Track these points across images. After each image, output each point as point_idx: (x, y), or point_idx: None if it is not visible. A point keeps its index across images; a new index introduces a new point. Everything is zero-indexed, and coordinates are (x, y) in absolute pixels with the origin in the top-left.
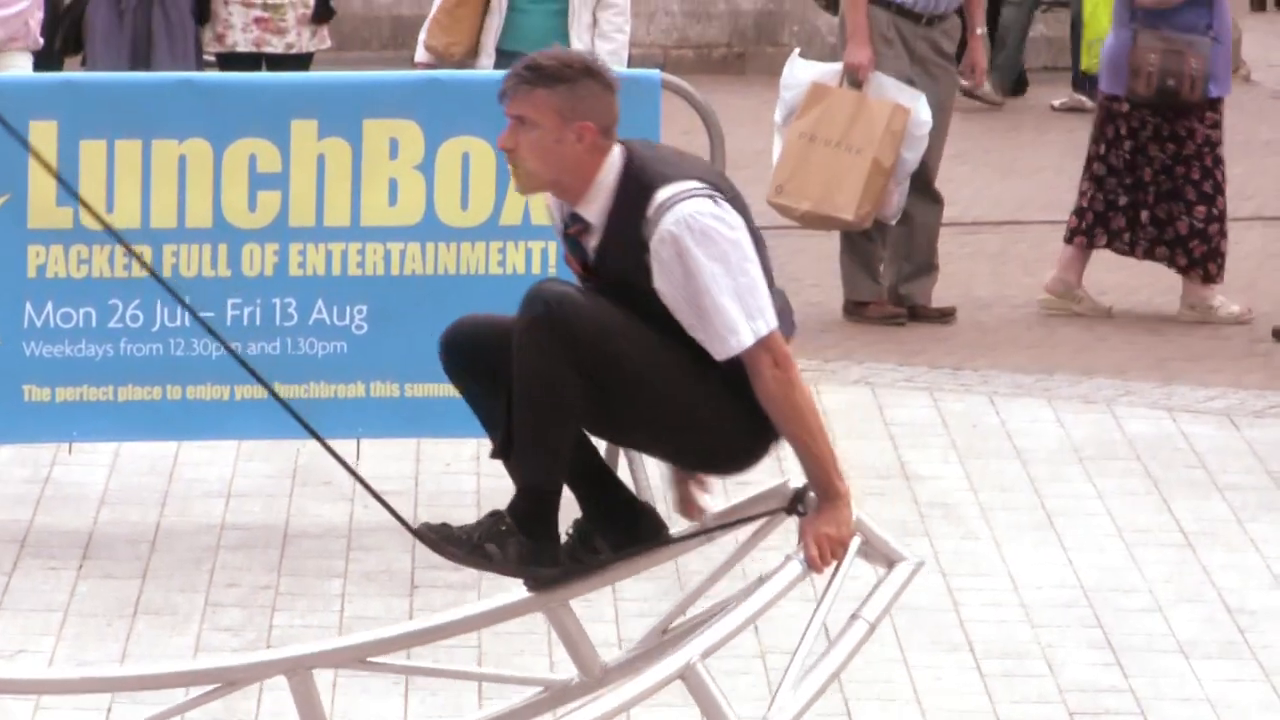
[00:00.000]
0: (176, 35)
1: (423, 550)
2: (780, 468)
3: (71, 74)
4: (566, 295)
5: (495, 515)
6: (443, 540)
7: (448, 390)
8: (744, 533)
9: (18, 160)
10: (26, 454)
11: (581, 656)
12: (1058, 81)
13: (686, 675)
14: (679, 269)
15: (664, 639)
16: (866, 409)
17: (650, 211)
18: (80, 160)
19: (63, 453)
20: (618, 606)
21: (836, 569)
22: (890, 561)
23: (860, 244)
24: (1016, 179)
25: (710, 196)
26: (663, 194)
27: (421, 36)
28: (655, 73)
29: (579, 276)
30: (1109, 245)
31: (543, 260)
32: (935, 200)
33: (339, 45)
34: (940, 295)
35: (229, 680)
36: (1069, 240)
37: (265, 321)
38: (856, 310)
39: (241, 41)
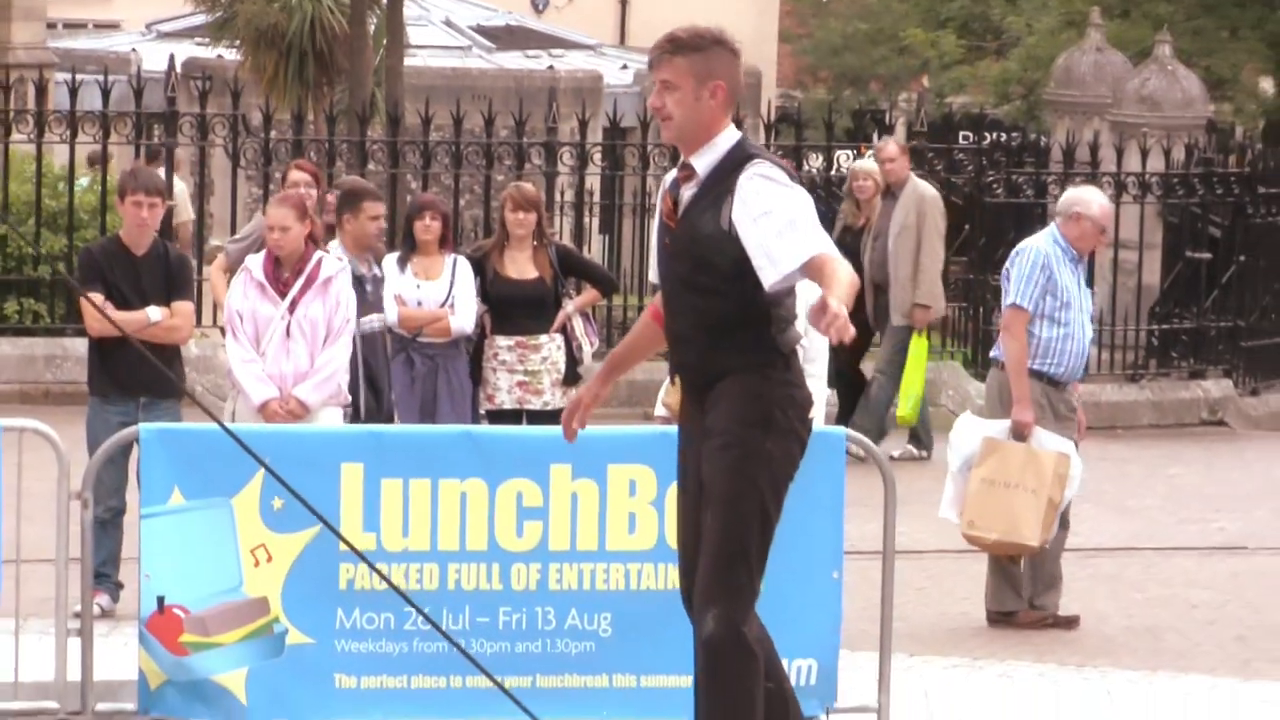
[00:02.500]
0: (457, 396)
1: None
2: (927, 699)
3: (374, 426)
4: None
5: None
6: None
7: (676, 682)
8: None
9: (332, 498)
10: None
11: None
12: None
13: None
14: (756, 199)
15: None
16: (1004, 699)
17: (744, 167)
18: (381, 495)
19: None
20: None
21: None
22: None
23: (1005, 567)
24: (1128, 515)
25: (791, 175)
26: (754, 161)
27: (661, 395)
28: (841, 430)
29: (665, 215)
30: None
31: None
32: (1064, 526)
33: None
34: (1067, 607)
35: None
36: None
37: (529, 626)
38: (1002, 619)
39: (507, 400)
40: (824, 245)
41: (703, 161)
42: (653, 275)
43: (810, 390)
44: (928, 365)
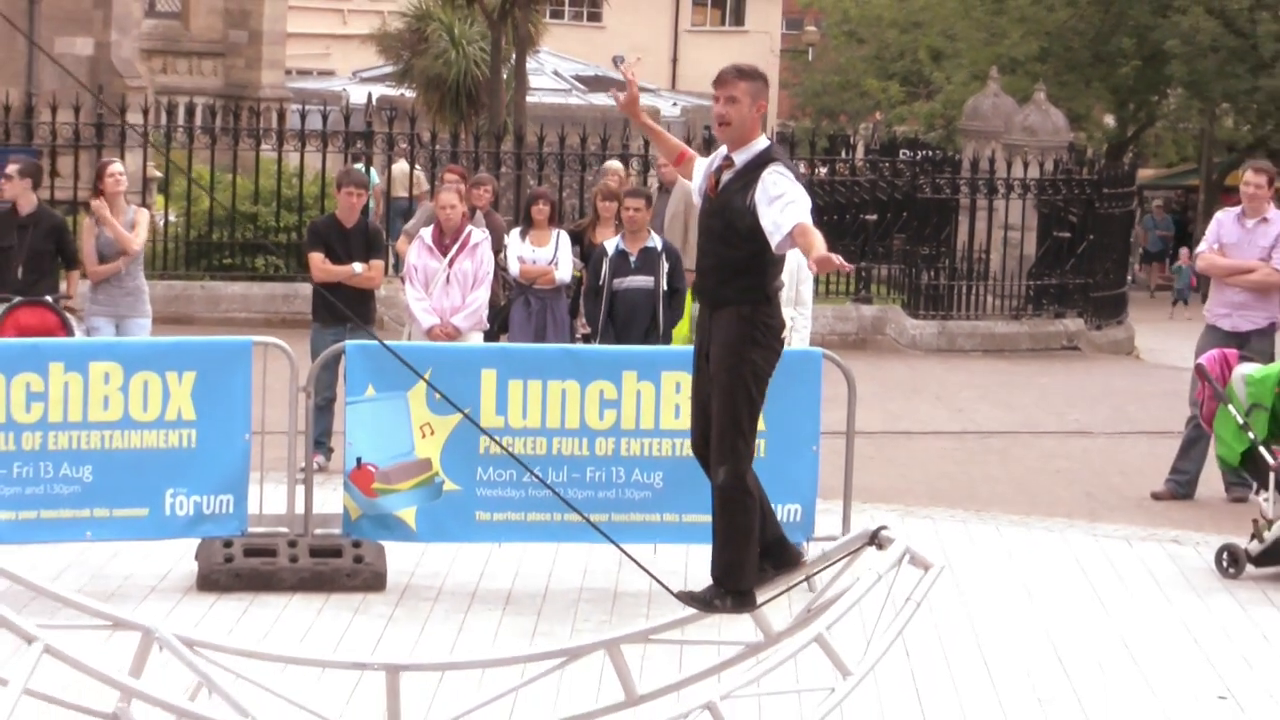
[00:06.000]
0: (560, 325)
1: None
2: (870, 518)
3: (504, 344)
4: (728, 469)
5: (717, 586)
6: (692, 600)
7: (706, 519)
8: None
9: (474, 392)
10: (476, 549)
11: (763, 627)
12: None
13: (819, 639)
14: (773, 187)
15: (807, 615)
16: (927, 534)
17: (769, 165)
18: (509, 390)
19: (496, 548)
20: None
21: (898, 573)
22: (928, 565)
23: None
24: (1012, 409)
25: (797, 175)
26: (775, 162)
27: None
28: (819, 350)
29: (708, 189)
30: None
31: None
32: None
33: None
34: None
35: (573, 655)
36: None
37: (607, 480)
38: None
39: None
40: (807, 219)
41: (741, 157)
42: (694, 199)
43: (783, 318)
44: (880, 306)
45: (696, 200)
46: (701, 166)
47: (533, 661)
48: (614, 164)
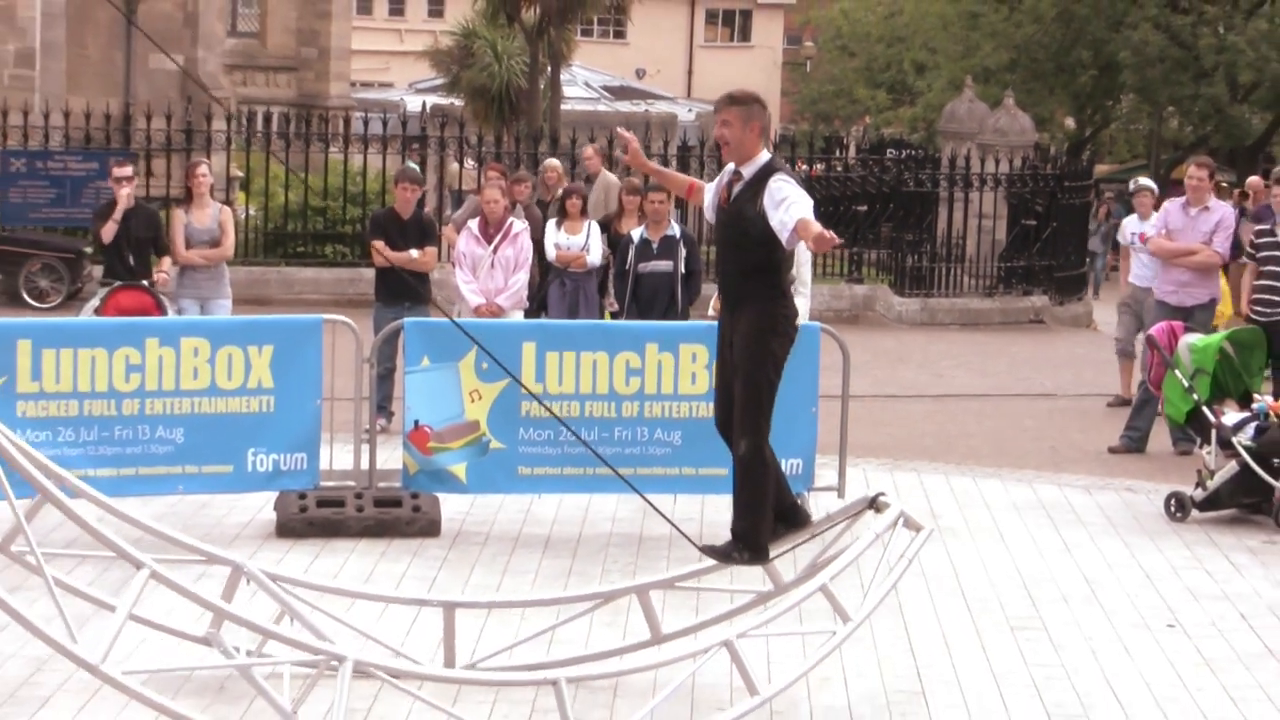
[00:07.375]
0: (591, 302)
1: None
2: (867, 483)
3: (542, 320)
4: (749, 442)
5: (736, 541)
6: (713, 553)
7: (717, 472)
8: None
9: (516, 362)
10: (519, 499)
11: (774, 578)
12: None
13: (824, 589)
14: (778, 193)
15: (813, 568)
16: (912, 485)
17: (773, 175)
18: (546, 361)
19: (536, 499)
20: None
21: (893, 534)
22: (919, 527)
23: None
24: (986, 375)
25: (798, 180)
26: (777, 173)
27: (712, 302)
28: (816, 324)
29: (721, 201)
30: None
31: None
32: None
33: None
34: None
35: (608, 597)
36: None
37: (633, 438)
38: None
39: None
40: (808, 214)
41: (747, 170)
42: (709, 216)
43: (797, 308)
44: (870, 286)
45: (710, 216)
46: (711, 189)
47: (572, 603)
48: (552, 161)
